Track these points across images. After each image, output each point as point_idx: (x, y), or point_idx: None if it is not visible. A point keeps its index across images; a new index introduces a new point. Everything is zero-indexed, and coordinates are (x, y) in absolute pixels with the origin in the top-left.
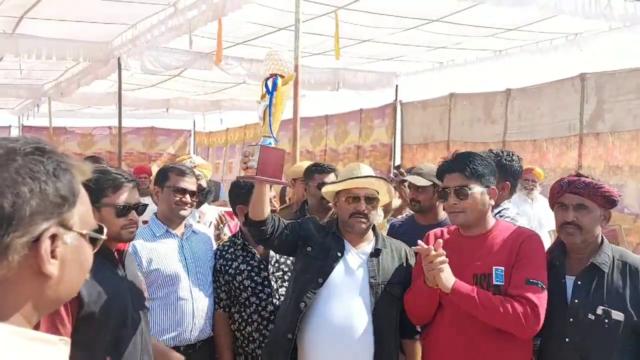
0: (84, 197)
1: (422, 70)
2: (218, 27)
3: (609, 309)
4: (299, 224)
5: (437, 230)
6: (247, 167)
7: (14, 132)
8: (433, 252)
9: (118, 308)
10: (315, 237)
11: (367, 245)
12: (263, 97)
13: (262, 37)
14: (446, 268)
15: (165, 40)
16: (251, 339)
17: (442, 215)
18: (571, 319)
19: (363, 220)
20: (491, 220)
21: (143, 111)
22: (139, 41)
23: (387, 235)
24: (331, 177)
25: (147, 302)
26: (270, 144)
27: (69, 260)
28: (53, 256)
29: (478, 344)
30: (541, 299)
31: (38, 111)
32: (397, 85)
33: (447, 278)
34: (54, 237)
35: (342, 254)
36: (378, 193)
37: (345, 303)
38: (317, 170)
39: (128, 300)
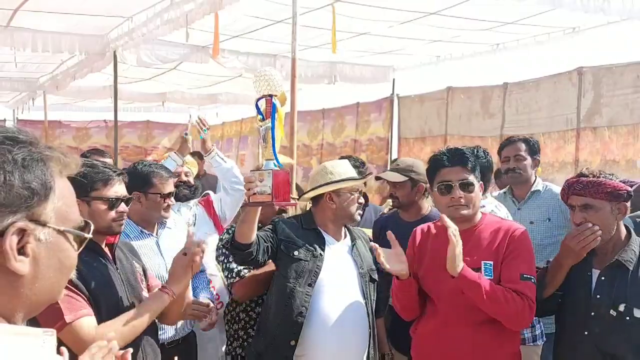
0: (63, 192)
1: (419, 63)
2: (215, 21)
3: (631, 307)
4: (273, 231)
5: (424, 225)
6: (254, 194)
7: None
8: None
9: (110, 301)
10: (297, 240)
11: (345, 238)
12: (261, 120)
13: (259, 30)
14: (458, 253)
15: (161, 33)
16: None
17: (426, 209)
18: (592, 313)
19: (360, 210)
20: (478, 214)
21: (139, 104)
22: (135, 34)
23: (373, 232)
24: None
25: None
26: (274, 166)
27: (44, 258)
28: (24, 253)
29: (465, 337)
30: (534, 295)
31: (33, 105)
32: (394, 79)
33: (457, 263)
34: (23, 232)
35: (329, 250)
36: None
37: (342, 297)
38: None
39: (122, 292)
